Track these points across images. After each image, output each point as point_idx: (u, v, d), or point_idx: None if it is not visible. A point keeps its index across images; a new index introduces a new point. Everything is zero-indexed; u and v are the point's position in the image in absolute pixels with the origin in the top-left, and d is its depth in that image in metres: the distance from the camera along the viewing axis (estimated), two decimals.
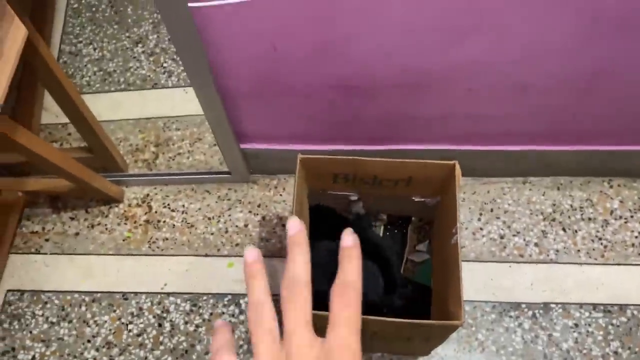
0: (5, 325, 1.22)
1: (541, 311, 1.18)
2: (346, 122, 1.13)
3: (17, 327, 1.22)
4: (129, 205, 1.34)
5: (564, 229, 1.26)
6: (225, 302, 1.22)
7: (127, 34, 1.57)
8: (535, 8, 0.80)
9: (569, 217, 1.27)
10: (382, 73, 0.97)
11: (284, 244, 1.27)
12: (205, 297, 1.23)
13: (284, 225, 1.30)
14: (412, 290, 1.14)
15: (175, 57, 1.53)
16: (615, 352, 1.13)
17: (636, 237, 1.24)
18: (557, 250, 1.24)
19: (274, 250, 1.27)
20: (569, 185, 1.31)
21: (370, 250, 1.15)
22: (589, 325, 1.16)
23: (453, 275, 0.88)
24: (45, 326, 1.22)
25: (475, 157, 1.23)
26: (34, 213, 1.35)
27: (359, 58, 0.93)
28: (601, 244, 1.24)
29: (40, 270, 1.28)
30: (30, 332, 1.21)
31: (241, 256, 1.26)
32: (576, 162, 1.25)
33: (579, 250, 1.24)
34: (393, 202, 1.13)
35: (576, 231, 1.26)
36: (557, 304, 1.18)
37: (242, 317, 1.20)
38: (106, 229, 1.32)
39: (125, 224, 1.32)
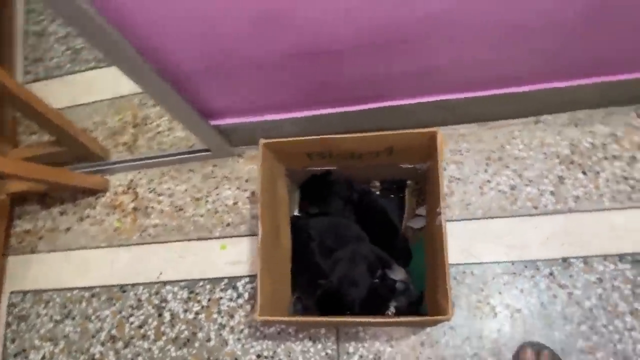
0: (14, 327, 1.24)
1: (559, 268, 1.07)
2: (322, 86, 1.00)
3: (24, 328, 1.23)
4: (115, 194, 1.29)
5: (584, 172, 1.12)
6: (222, 287, 1.17)
7: None
8: None
9: (590, 157, 1.12)
10: (344, 34, 0.83)
11: None
12: (201, 283, 1.19)
13: None
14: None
15: None
16: None
17: None
18: (577, 197, 1.10)
19: None
20: (588, 121, 1.14)
21: (376, 218, 1.06)
22: (615, 279, 1.04)
23: (440, 263, 0.78)
24: (51, 325, 1.22)
25: (477, 103, 1.08)
26: (24, 211, 1.33)
27: (312, 23, 0.79)
28: (628, 184, 1.09)
29: (39, 270, 1.27)
30: (38, 332, 1.22)
31: (233, 236, 1.20)
32: (596, 94, 1.08)
33: (601, 195, 1.10)
34: (382, 169, 1.02)
35: (598, 173, 1.11)
36: (577, 258, 1.07)
37: (240, 301, 1.16)
38: (95, 220, 1.28)
39: (114, 213, 1.27)
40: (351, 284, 0.95)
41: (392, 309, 0.95)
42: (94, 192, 1.29)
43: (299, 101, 1.06)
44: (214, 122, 1.11)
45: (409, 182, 1.12)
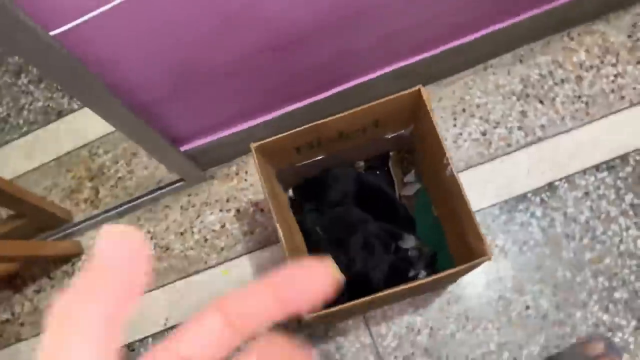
0: None
1: (548, 193, 1.12)
2: (287, 81, 0.99)
3: None
4: (92, 254, 1.20)
5: (541, 102, 1.18)
6: None
7: (2, 68, 1.35)
8: None
9: (542, 87, 1.19)
10: (305, 17, 0.83)
11: (269, 230, 1.17)
12: None
13: (262, 211, 1.18)
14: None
15: None
16: (632, 205, 1.10)
17: (613, 81, 1.17)
18: (542, 126, 1.17)
19: (262, 240, 1.16)
20: (530, 54, 1.21)
21: (373, 195, 1.06)
22: (598, 188, 1.12)
23: (462, 209, 0.79)
24: None
25: (430, 63, 1.12)
26: None
27: (273, 14, 0.78)
28: (582, 102, 1.17)
29: (32, 357, 1.16)
30: None
31: (232, 259, 1.16)
32: (530, 28, 1.15)
33: (563, 118, 1.17)
34: (365, 147, 1.03)
35: (554, 99, 1.18)
36: (560, 179, 1.13)
37: None
38: None
39: None
40: (374, 267, 0.95)
41: (423, 273, 0.95)
42: (68, 259, 1.19)
43: (267, 102, 1.04)
44: (184, 148, 1.07)
45: (391, 153, 1.13)
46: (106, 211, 1.20)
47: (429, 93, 0.85)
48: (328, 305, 0.76)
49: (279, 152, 0.89)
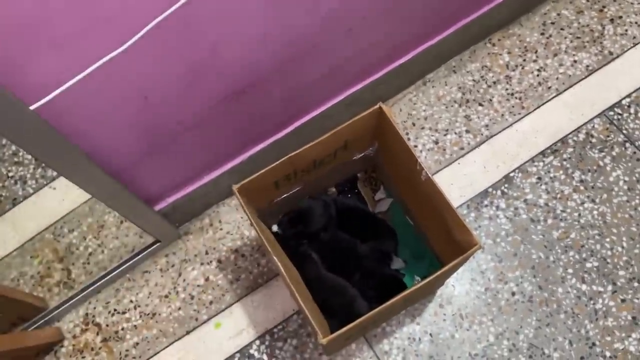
0: None
1: (506, 185, 1.21)
2: (249, 124, 1.03)
3: None
4: (75, 337, 1.15)
5: (480, 104, 1.28)
6: None
7: None
8: None
9: (478, 91, 1.30)
10: (262, 61, 0.87)
11: (255, 273, 1.17)
12: None
13: (243, 256, 1.18)
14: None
15: (16, 159, 1.29)
16: (581, 180, 1.20)
17: (537, 75, 1.30)
18: (487, 125, 1.26)
19: (250, 284, 1.16)
20: (460, 64, 1.32)
21: (353, 216, 1.10)
22: (549, 172, 1.21)
23: (444, 207, 0.84)
24: None
25: (375, 86, 1.19)
26: None
27: (233, 59, 0.82)
28: (516, 98, 1.28)
29: None
30: None
31: (222, 310, 1.15)
32: (455, 41, 1.26)
33: (502, 115, 1.27)
34: (336, 172, 1.07)
35: (491, 99, 1.28)
36: (514, 171, 1.22)
37: None
38: None
39: (83, 357, 1.13)
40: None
41: (417, 279, 0.99)
42: (49, 348, 1.13)
43: (232, 148, 1.07)
44: (158, 208, 1.06)
45: (359, 175, 1.18)
46: (82, 290, 1.15)
47: (389, 108, 0.91)
48: (341, 325, 0.78)
49: (259, 189, 0.91)
